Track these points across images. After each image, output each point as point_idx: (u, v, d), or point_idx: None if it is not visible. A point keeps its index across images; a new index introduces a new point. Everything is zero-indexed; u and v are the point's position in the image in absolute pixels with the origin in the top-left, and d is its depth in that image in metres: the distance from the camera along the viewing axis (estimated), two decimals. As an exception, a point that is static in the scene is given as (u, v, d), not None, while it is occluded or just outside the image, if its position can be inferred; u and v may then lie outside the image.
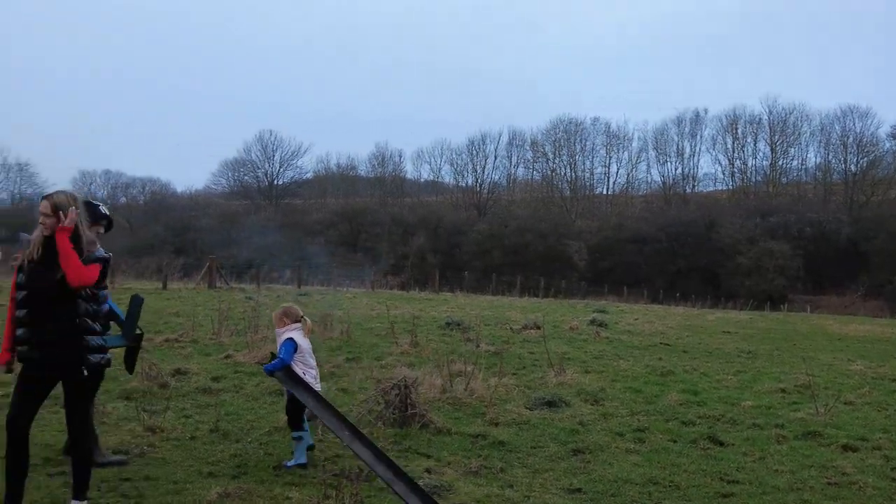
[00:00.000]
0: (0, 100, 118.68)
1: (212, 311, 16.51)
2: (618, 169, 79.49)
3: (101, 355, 4.91)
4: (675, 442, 7.69)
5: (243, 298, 23.10)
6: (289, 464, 6.25)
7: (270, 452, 6.63)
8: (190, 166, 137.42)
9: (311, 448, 6.42)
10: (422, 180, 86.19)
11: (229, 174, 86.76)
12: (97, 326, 4.88)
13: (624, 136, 79.33)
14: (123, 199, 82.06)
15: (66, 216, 4.64)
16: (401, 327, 15.81)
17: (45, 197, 4.81)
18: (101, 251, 5.03)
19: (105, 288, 5.29)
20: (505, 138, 79.90)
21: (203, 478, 5.81)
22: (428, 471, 6.21)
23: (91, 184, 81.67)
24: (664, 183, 78.64)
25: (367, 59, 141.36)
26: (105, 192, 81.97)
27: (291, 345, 6.34)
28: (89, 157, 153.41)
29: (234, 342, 12.98)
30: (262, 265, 39.07)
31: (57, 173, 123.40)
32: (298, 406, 6.23)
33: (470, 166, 79.68)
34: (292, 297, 25.55)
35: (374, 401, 7.76)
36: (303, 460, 6.27)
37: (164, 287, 29.43)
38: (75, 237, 4.67)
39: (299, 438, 6.35)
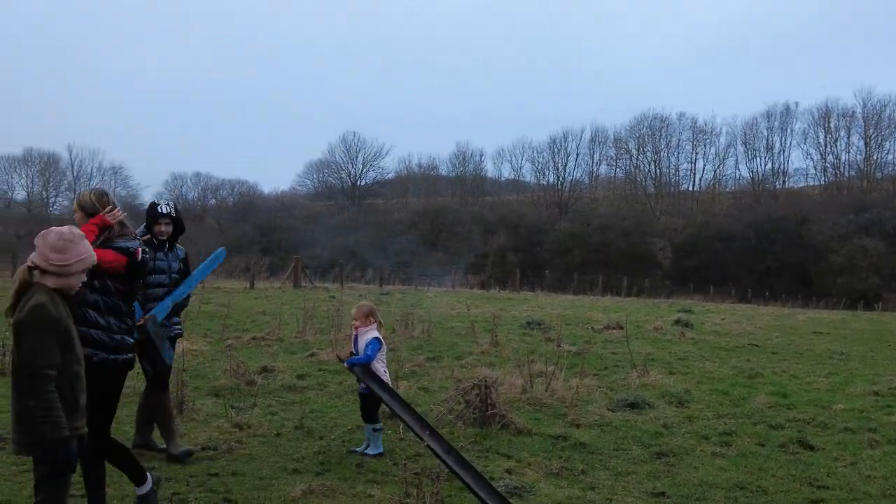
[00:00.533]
0: (94, 106, 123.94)
1: (297, 310, 16.84)
2: (704, 165, 77.56)
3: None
4: (762, 446, 7.48)
5: (327, 297, 23.48)
6: (370, 451, 6.51)
7: (353, 449, 6.73)
8: (276, 168, 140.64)
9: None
10: (502, 179, 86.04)
11: (314, 175, 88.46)
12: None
13: (711, 131, 77.31)
14: (213, 201, 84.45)
15: (86, 213, 4.58)
16: (481, 327, 15.83)
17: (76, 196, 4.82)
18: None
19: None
20: (587, 135, 78.96)
21: (288, 474, 5.95)
22: (508, 471, 6.21)
23: (182, 186, 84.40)
24: (753, 179, 76.34)
25: (446, 59, 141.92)
26: (195, 194, 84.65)
27: (378, 343, 6.47)
28: (180, 160, 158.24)
29: (318, 340, 13.22)
30: (345, 265, 39.65)
31: (149, 175, 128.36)
32: (375, 402, 6.44)
33: (551, 164, 79.03)
34: (374, 297, 25.89)
35: (455, 400, 7.79)
36: (380, 449, 6.53)
37: (252, 286, 30.20)
38: (103, 229, 4.53)
39: (381, 430, 6.60)
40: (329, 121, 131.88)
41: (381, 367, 6.56)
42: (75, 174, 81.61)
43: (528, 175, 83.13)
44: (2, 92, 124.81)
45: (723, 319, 22.71)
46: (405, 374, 10.46)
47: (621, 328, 16.48)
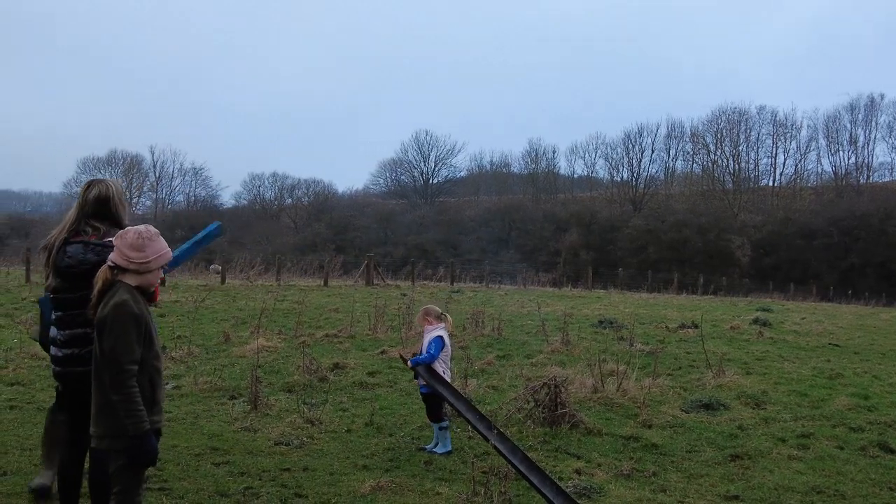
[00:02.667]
0: (175, 108, 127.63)
1: (368, 307, 17.03)
2: (785, 159, 75.33)
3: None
4: (841, 449, 7.23)
5: (398, 295, 23.67)
6: (438, 450, 6.57)
7: (422, 447, 6.77)
8: (351, 167, 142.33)
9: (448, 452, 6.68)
10: (575, 176, 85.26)
11: (387, 174, 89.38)
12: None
13: (792, 125, 75.03)
14: (289, 200, 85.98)
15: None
16: (552, 325, 15.73)
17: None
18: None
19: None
20: (663, 131, 77.68)
21: (358, 470, 6.02)
22: (578, 472, 6.15)
23: (260, 186, 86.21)
24: (836, 173, 73.85)
25: (520, 56, 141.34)
26: (273, 194, 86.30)
27: (440, 342, 6.53)
28: (258, 161, 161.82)
29: (390, 338, 13.34)
30: (416, 263, 39.89)
31: (228, 176, 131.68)
32: (438, 401, 6.49)
33: (625, 160, 77.90)
34: (445, 294, 25.98)
35: (524, 399, 7.76)
36: (449, 447, 6.59)
37: (326, 284, 30.65)
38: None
39: (447, 428, 6.65)
40: (403, 120, 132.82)
41: (440, 367, 6.57)
42: (157, 175, 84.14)
43: (601, 171, 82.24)
44: (88, 95, 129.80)
45: (803, 318, 22.05)
46: (475, 373, 10.48)
47: (696, 327, 16.15)
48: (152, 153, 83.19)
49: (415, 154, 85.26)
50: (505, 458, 5.35)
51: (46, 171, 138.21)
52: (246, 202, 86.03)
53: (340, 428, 7.32)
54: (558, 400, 7.54)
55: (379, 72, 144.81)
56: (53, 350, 4.24)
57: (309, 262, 38.82)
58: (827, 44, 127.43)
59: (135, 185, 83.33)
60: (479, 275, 40.64)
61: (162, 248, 3.82)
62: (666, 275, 43.53)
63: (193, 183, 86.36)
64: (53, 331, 4.25)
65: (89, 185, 4.33)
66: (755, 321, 18.97)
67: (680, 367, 11.61)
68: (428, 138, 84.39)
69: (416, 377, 6.77)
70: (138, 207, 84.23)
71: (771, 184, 75.74)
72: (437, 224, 69.54)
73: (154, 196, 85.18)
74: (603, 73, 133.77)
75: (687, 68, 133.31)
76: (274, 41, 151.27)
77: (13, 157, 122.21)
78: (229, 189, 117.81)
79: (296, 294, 23.26)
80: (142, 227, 3.79)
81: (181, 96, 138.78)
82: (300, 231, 74.06)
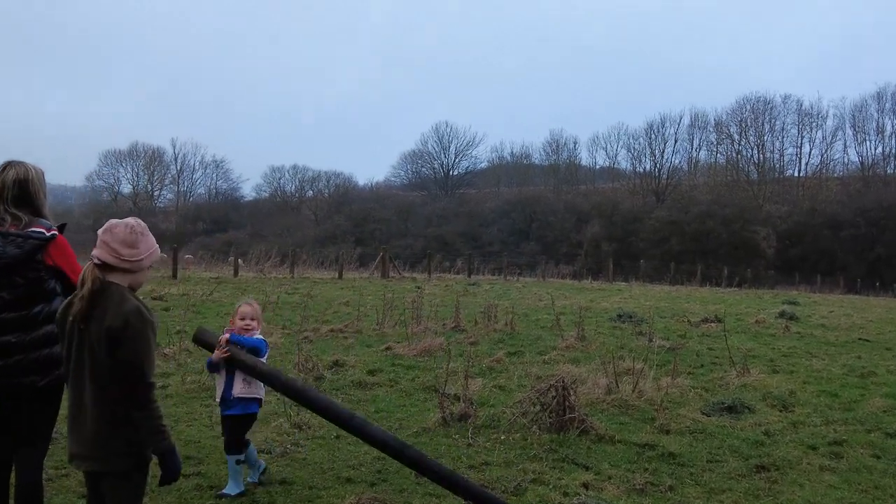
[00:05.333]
0: (196, 101, 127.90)
1: (380, 300, 16.49)
2: (811, 149, 73.66)
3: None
4: (878, 458, 6.57)
5: (413, 288, 23.14)
6: (232, 491, 5.12)
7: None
8: (372, 159, 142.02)
9: (263, 471, 5.47)
10: (597, 167, 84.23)
11: (407, 166, 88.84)
12: None
13: (818, 114, 73.32)
14: (310, 193, 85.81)
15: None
16: (568, 319, 15.13)
17: None
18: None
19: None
20: (686, 120, 76.34)
21: (340, 483, 5.46)
22: (585, 486, 5.54)
23: (280, 178, 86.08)
24: (863, 163, 72.15)
25: (538, 45, 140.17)
26: (293, 186, 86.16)
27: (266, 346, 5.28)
28: (278, 153, 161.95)
29: (396, 333, 12.79)
30: (435, 255, 39.35)
31: (249, 169, 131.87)
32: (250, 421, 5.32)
33: (648, 151, 76.71)
34: (461, 287, 25.42)
35: (530, 402, 7.16)
36: (242, 487, 5.18)
37: (340, 276, 30.21)
38: None
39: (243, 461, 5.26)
40: (423, 111, 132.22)
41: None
42: (179, 167, 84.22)
43: (623, 162, 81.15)
44: (112, 87, 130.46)
45: (831, 312, 21.27)
46: (482, 371, 9.90)
47: (720, 321, 15.46)
48: (174, 146, 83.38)
49: (435, 145, 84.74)
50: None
51: (69, 165, 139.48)
52: (267, 195, 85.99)
53: (329, 433, 6.75)
54: (567, 403, 6.92)
55: (401, 62, 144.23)
56: None
57: (326, 255, 38.41)
58: (854, 32, 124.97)
59: (156, 177, 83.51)
60: (497, 267, 39.99)
61: (153, 245, 3.37)
62: (689, 267, 42.67)
63: (214, 175, 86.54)
64: None
65: (5, 166, 3.76)
66: (781, 314, 18.22)
67: (701, 365, 10.95)
68: (448, 130, 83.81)
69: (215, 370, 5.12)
70: (160, 200, 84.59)
71: (796, 174, 74.23)
72: (457, 216, 68.97)
73: (176, 189, 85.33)
74: (625, 62, 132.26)
75: (710, 57, 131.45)
76: (293, 35, 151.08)
77: (37, 151, 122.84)
78: (250, 182, 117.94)
79: (308, 287, 22.78)
80: (131, 220, 3.31)
81: (201, 89, 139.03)
82: (321, 223, 73.86)
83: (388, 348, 11.33)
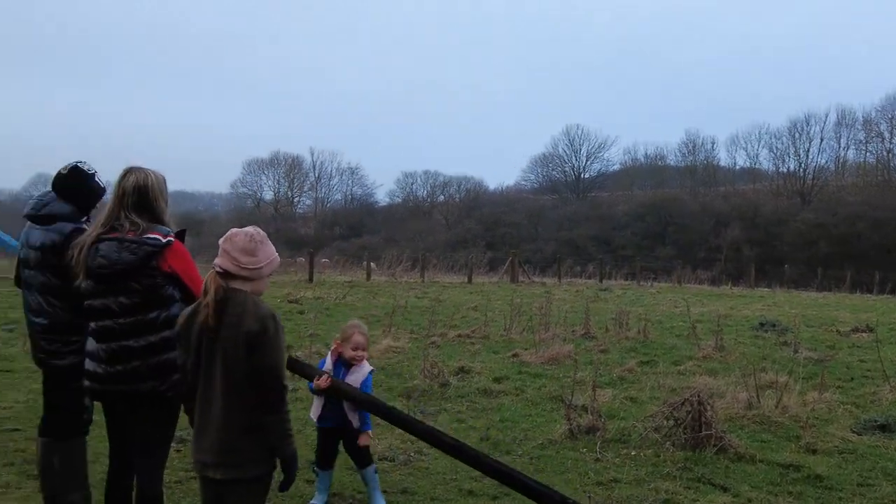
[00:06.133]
0: (332, 109, 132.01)
1: (508, 306, 16.30)
2: (974, 146, 67.99)
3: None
4: None
5: (542, 293, 22.82)
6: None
7: (541, 468, 5.96)
8: (502, 164, 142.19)
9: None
10: (737, 167, 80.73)
11: (538, 170, 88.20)
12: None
13: (982, 107, 67.60)
14: (441, 198, 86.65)
15: None
16: (706, 327, 14.46)
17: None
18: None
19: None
20: (832, 118, 72.03)
21: (462, 496, 5.31)
22: (722, 509, 5.15)
23: (412, 183, 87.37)
24: None
25: (677, 44, 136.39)
26: (425, 192, 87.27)
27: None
28: (410, 159, 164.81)
29: (524, 339, 12.57)
30: (566, 259, 38.79)
31: (383, 174, 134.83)
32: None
33: (791, 150, 72.73)
34: (591, 292, 24.85)
35: (662, 416, 6.78)
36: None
37: (470, 281, 30.24)
38: None
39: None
40: (554, 114, 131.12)
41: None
42: (317, 175, 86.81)
43: (765, 162, 77.35)
44: (252, 100, 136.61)
45: None
46: (612, 381, 9.53)
47: (872, 331, 14.36)
48: (312, 154, 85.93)
49: (566, 149, 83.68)
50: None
51: (216, 173, 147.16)
52: (399, 200, 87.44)
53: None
54: (703, 419, 6.51)
55: (530, 64, 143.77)
56: (91, 365, 3.74)
57: (456, 259, 38.60)
58: None
59: (296, 184, 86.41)
60: (630, 272, 38.97)
61: (272, 253, 3.38)
62: (837, 272, 40.09)
63: (350, 182, 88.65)
64: (91, 343, 3.74)
65: (126, 172, 3.80)
66: (944, 325, 16.77)
67: (852, 379, 10.15)
68: (579, 132, 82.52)
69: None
70: (299, 206, 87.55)
71: (957, 172, 68.58)
72: (588, 219, 67.81)
73: (314, 195, 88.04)
74: (766, 58, 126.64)
75: (857, 51, 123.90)
76: (436, 42, 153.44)
77: (187, 160, 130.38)
78: (384, 187, 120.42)
79: (437, 291, 22.90)
80: (251, 229, 3.34)
81: (338, 98, 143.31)
82: (451, 228, 74.40)
83: (514, 355, 11.13)
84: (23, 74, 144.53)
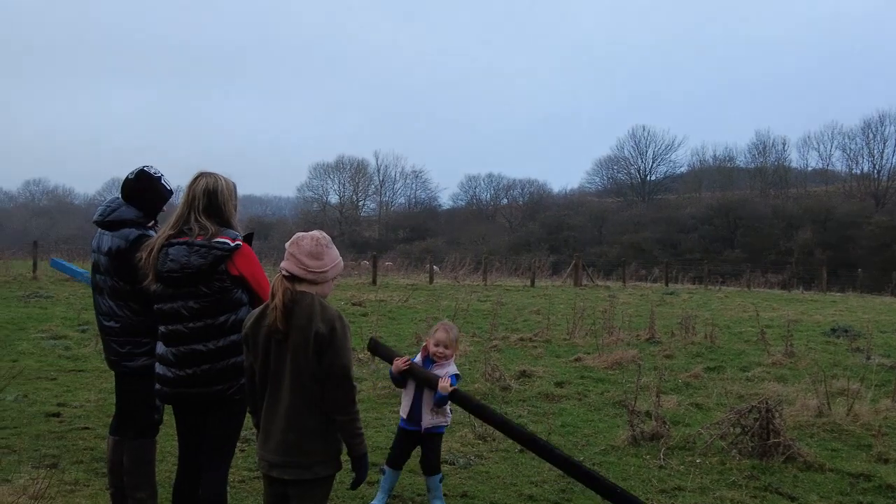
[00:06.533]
0: (397, 113, 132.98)
1: (571, 309, 16.18)
2: None
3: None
4: None
5: (606, 297, 22.58)
6: None
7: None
8: (566, 166, 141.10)
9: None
10: (808, 169, 78.62)
11: (602, 172, 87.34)
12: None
13: None
14: (505, 201, 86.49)
15: None
16: (775, 333, 14.13)
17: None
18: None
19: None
20: (908, 117, 69.50)
21: (522, 500, 5.30)
22: (789, 519, 5.03)
23: (476, 187, 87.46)
24: None
25: (745, 42, 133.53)
26: (489, 195, 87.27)
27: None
28: (474, 162, 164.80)
29: (587, 344, 12.47)
30: (630, 263, 38.28)
31: (446, 177, 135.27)
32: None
33: (865, 151, 70.47)
34: (657, 296, 24.49)
35: (729, 423, 6.64)
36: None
37: (532, 284, 30.10)
38: None
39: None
40: (619, 115, 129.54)
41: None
42: (381, 178, 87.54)
43: (838, 164, 75.23)
44: (319, 106, 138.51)
45: None
46: (678, 387, 9.38)
47: (952, 338, 13.82)
48: (376, 158, 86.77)
49: (631, 150, 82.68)
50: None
51: (283, 177, 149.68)
52: (463, 203, 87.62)
53: (513, 446, 6.59)
54: (770, 426, 6.36)
55: (594, 65, 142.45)
56: (160, 368, 3.84)
57: (519, 262, 38.45)
58: None
59: (360, 188, 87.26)
60: (697, 276, 38.25)
61: (337, 257, 3.44)
62: (916, 276, 38.65)
63: (414, 185, 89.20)
64: (160, 347, 3.85)
65: (197, 176, 3.89)
66: None
67: (930, 387, 9.77)
68: (645, 134, 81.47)
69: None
70: (364, 210, 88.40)
71: None
72: (654, 222, 66.80)
73: (378, 199, 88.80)
74: (839, 57, 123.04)
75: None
76: (494, 44, 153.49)
77: (257, 165, 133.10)
78: (447, 191, 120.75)
79: (499, 294, 22.85)
80: (317, 233, 3.41)
81: (403, 102, 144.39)
82: (514, 231, 74.20)
83: (577, 359, 11.04)
84: (99, 79, 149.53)
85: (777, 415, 6.48)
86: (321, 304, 3.29)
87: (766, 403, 6.48)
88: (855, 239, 56.09)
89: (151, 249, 3.78)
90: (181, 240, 3.75)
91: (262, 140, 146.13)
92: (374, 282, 27.53)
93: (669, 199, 78.31)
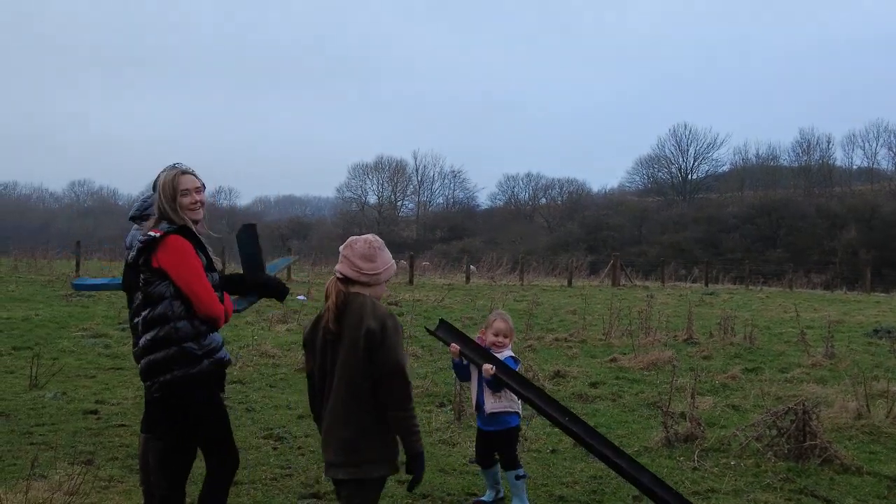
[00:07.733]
0: (436, 114, 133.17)
1: (607, 309, 16.09)
2: None
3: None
4: None
5: (644, 297, 22.37)
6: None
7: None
8: (606, 165, 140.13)
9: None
10: (854, 167, 77.11)
11: (643, 171, 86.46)
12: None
13: None
14: (543, 200, 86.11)
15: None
16: (816, 334, 13.90)
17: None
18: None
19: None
20: (958, 114, 67.91)
21: (553, 501, 5.30)
22: (825, 523, 4.95)
23: (514, 186, 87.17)
24: None
25: (786, 40, 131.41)
26: (527, 194, 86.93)
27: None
28: (513, 161, 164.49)
29: (623, 344, 12.38)
30: (667, 262, 37.88)
31: (484, 177, 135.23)
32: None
33: (911, 148, 69.13)
34: (696, 297, 24.23)
35: (765, 425, 6.56)
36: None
37: (569, 284, 29.96)
38: None
39: (524, 476, 5.19)
40: (661, 114, 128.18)
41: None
42: (420, 178, 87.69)
43: (884, 162, 73.78)
44: (359, 106, 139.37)
45: None
46: (715, 388, 9.28)
47: None
48: (415, 158, 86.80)
49: (672, 149, 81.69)
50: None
51: (323, 177, 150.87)
52: (501, 203, 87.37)
53: (545, 447, 6.61)
54: (807, 429, 6.27)
55: (636, 66, 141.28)
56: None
57: (557, 262, 38.29)
58: None
59: (399, 188, 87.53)
60: (738, 276, 37.72)
61: (389, 260, 3.52)
62: (965, 276, 37.75)
63: (452, 185, 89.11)
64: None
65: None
66: None
67: (976, 390, 9.53)
68: (686, 132, 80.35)
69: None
70: (402, 210, 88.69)
71: None
72: (695, 222, 65.99)
73: (417, 199, 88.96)
74: (883, 53, 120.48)
75: None
76: (537, 44, 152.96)
77: (296, 166, 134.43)
78: (485, 190, 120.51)
79: (536, 294, 22.79)
80: (370, 237, 3.51)
81: (441, 101, 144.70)
82: (553, 231, 73.87)
83: (612, 360, 10.98)
84: (142, 84, 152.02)
85: (814, 416, 6.38)
86: (372, 304, 3.35)
87: (804, 405, 6.39)
88: (901, 238, 54.88)
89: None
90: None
91: (302, 140, 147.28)
92: (410, 281, 27.63)
93: (711, 198, 77.29)
